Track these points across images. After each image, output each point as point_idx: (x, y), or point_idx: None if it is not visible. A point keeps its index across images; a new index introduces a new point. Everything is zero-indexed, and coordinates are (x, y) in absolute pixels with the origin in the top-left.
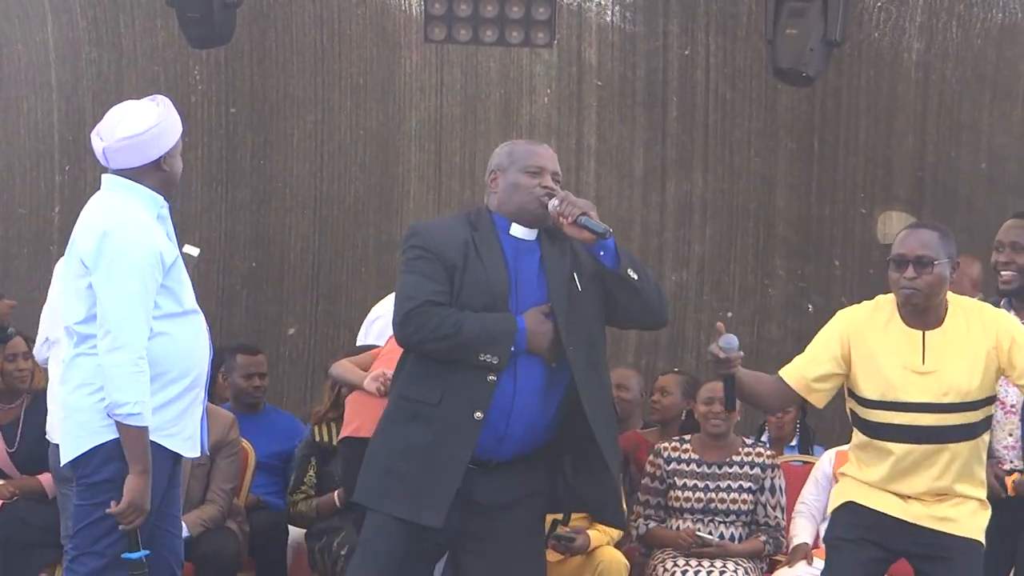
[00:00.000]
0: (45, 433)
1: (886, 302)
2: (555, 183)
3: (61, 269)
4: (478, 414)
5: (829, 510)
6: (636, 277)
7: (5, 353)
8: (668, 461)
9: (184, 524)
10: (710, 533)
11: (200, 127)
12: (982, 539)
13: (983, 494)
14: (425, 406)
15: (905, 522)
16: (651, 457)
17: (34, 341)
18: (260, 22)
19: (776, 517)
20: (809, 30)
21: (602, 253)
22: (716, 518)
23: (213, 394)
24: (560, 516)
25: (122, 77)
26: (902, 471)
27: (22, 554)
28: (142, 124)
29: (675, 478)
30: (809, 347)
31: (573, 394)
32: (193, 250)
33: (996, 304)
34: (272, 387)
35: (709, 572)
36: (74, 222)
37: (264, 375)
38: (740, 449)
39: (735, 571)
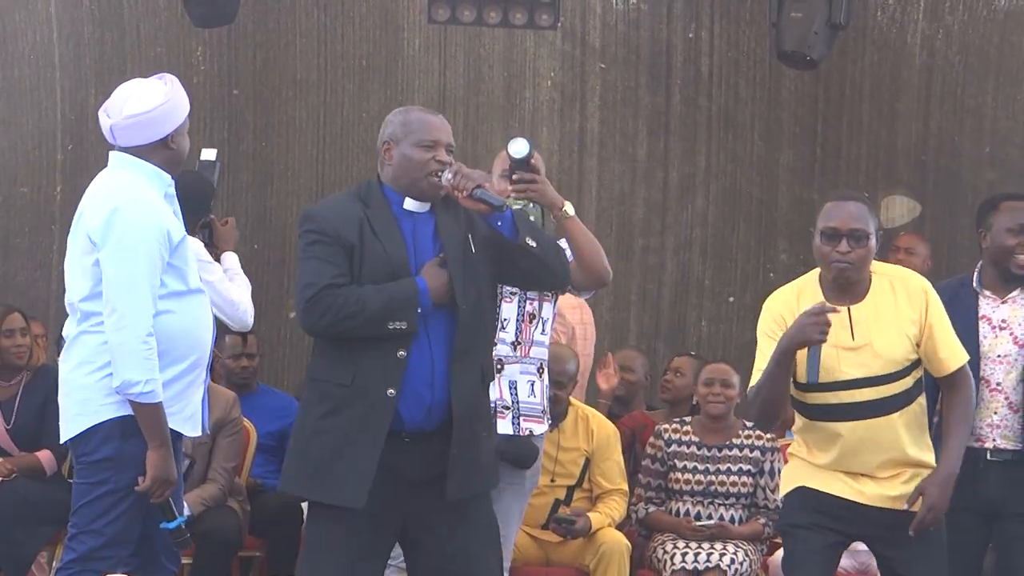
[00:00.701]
0: (43, 411)
1: (808, 282)
2: (449, 154)
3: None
4: (391, 391)
5: (780, 494)
6: (535, 244)
7: (2, 329)
8: (669, 443)
9: (185, 503)
10: (710, 516)
11: (202, 108)
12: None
13: (932, 457)
14: (338, 387)
15: (859, 505)
16: (652, 439)
17: (33, 319)
18: (263, 3)
19: (775, 500)
20: (813, 13)
21: (500, 223)
22: (716, 500)
23: (214, 373)
24: (562, 497)
25: (125, 56)
26: (851, 449)
27: (21, 531)
28: (150, 102)
29: (675, 460)
30: (760, 350)
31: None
32: (210, 153)
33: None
34: (272, 370)
35: (709, 554)
36: (76, 201)
37: (253, 356)
38: (740, 432)
39: (735, 553)
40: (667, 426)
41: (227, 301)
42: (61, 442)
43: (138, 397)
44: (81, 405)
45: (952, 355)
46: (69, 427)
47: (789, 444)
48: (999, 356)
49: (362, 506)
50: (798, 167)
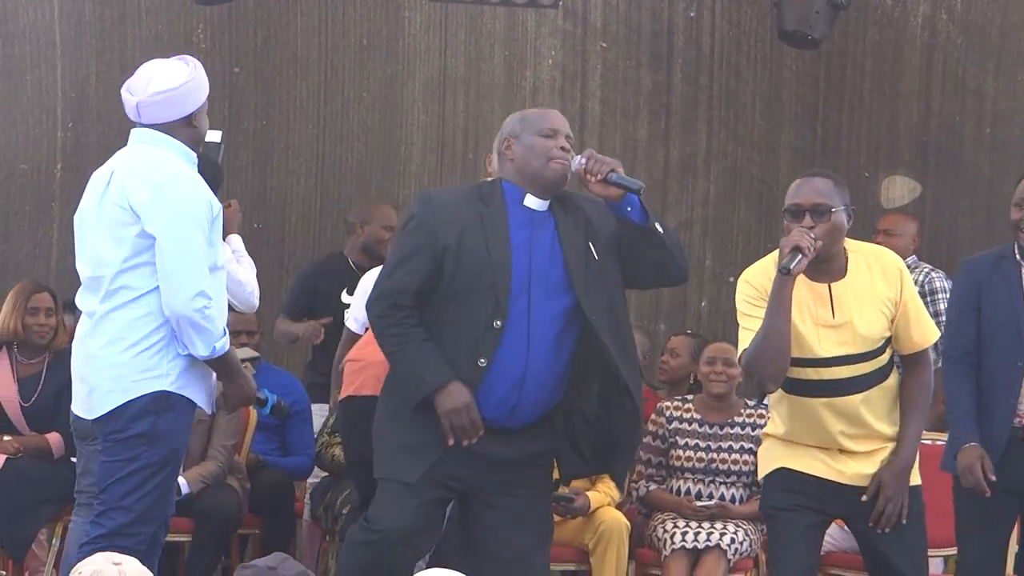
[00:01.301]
0: (60, 394)
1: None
2: (568, 143)
3: (87, 220)
4: (483, 360)
5: (760, 475)
6: (662, 230)
7: (28, 306)
8: (670, 420)
9: (184, 480)
10: (711, 494)
11: None
12: (917, 480)
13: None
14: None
15: (838, 484)
16: (653, 416)
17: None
18: None
19: None
20: None
21: (629, 209)
22: (717, 478)
23: None
24: (558, 476)
25: (125, 35)
26: (828, 425)
27: (25, 509)
28: (175, 79)
29: (677, 437)
30: (745, 316)
31: (585, 359)
32: (215, 135)
33: (1011, 256)
34: (272, 348)
35: (709, 533)
36: (77, 179)
37: (253, 333)
38: (742, 410)
39: (735, 532)
40: (669, 403)
41: (235, 282)
42: (92, 418)
43: (217, 352)
44: (114, 382)
45: (923, 334)
46: (101, 404)
47: None
48: None
49: (413, 481)
50: (799, 147)
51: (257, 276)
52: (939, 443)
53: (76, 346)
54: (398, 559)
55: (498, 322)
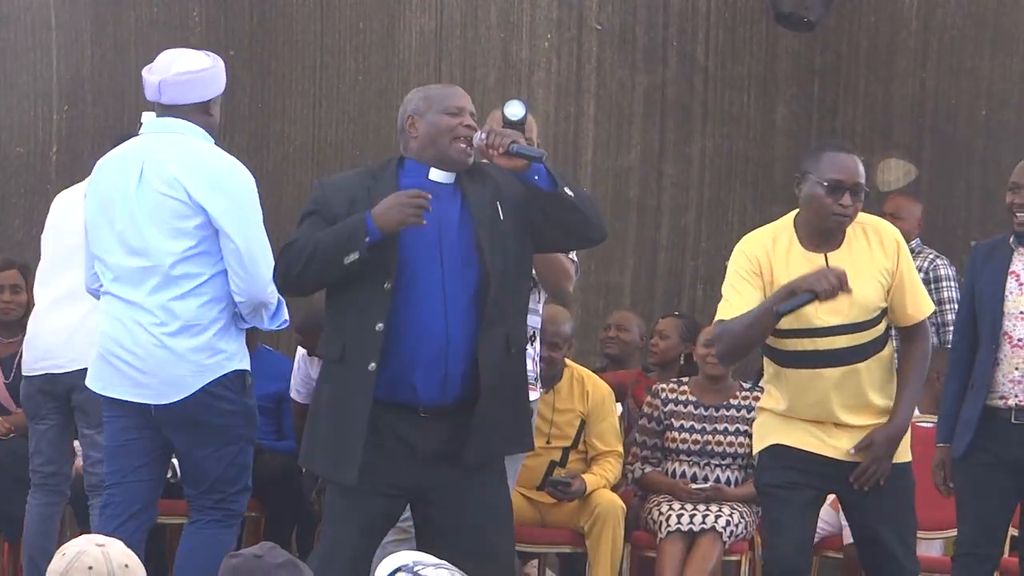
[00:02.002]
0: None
1: (782, 228)
2: (473, 121)
3: (89, 206)
4: (372, 366)
5: (754, 450)
6: (573, 194)
7: None
8: (665, 402)
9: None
10: (706, 477)
11: None
12: (907, 456)
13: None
14: (332, 363)
15: (832, 459)
16: (648, 398)
17: (32, 275)
18: None
19: None
20: None
21: (536, 178)
22: (712, 460)
23: None
24: (557, 459)
25: (120, 18)
26: (824, 396)
27: (18, 488)
28: (198, 64)
29: (672, 419)
30: (732, 287)
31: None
32: None
33: (1006, 242)
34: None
35: (704, 516)
36: (72, 162)
37: None
38: (737, 393)
39: (730, 515)
40: (664, 385)
41: None
42: (163, 404)
43: (281, 327)
44: (191, 367)
45: (917, 306)
46: (172, 391)
47: None
48: (1022, 312)
49: (353, 483)
50: (794, 129)
51: None
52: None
53: (115, 331)
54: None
55: (387, 284)
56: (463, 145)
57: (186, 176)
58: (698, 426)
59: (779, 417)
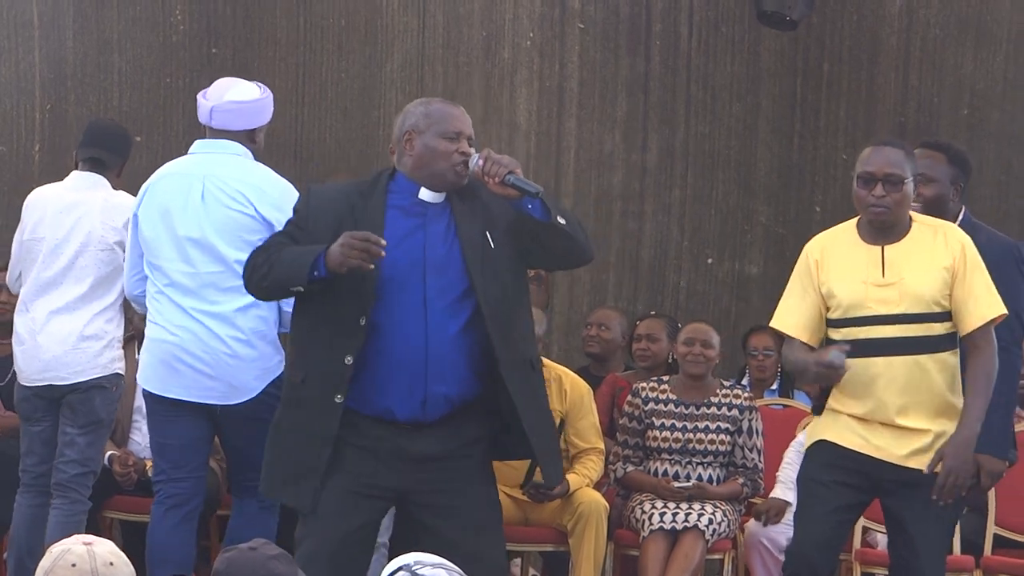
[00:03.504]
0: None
1: (850, 224)
2: (470, 146)
3: (146, 219)
4: (338, 397)
5: (805, 447)
6: (564, 222)
7: None
8: (646, 401)
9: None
10: (688, 476)
11: (181, 67)
12: None
13: (954, 406)
14: (293, 387)
15: (873, 459)
16: (629, 397)
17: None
18: None
19: (753, 459)
20: None
21: (530, 207)
22: (694, 459)
23: None
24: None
25: (103, 16)
26: (881, 389)
27: (7, 490)
28: (249, 94)
29: (653, 418)
30: (790, 288)
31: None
32: None
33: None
34: None
35: (687, 514)
36: (55, 160)
37: None
38: (718, 391)
39: (713, 514)
40: (644, 384)
41: None
42: (230, 404)
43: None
44: (258, 371)
45: (979, 308)
46: (240, 392)
47: (767, 404)
48: None
49: (310, 510)
50: (777, 128)
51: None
52: None
53: (182, 337)
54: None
55: (362, 320)
56: (457, 170)
57: (251, 192)
58: (679, 424)
59: (829, 413)
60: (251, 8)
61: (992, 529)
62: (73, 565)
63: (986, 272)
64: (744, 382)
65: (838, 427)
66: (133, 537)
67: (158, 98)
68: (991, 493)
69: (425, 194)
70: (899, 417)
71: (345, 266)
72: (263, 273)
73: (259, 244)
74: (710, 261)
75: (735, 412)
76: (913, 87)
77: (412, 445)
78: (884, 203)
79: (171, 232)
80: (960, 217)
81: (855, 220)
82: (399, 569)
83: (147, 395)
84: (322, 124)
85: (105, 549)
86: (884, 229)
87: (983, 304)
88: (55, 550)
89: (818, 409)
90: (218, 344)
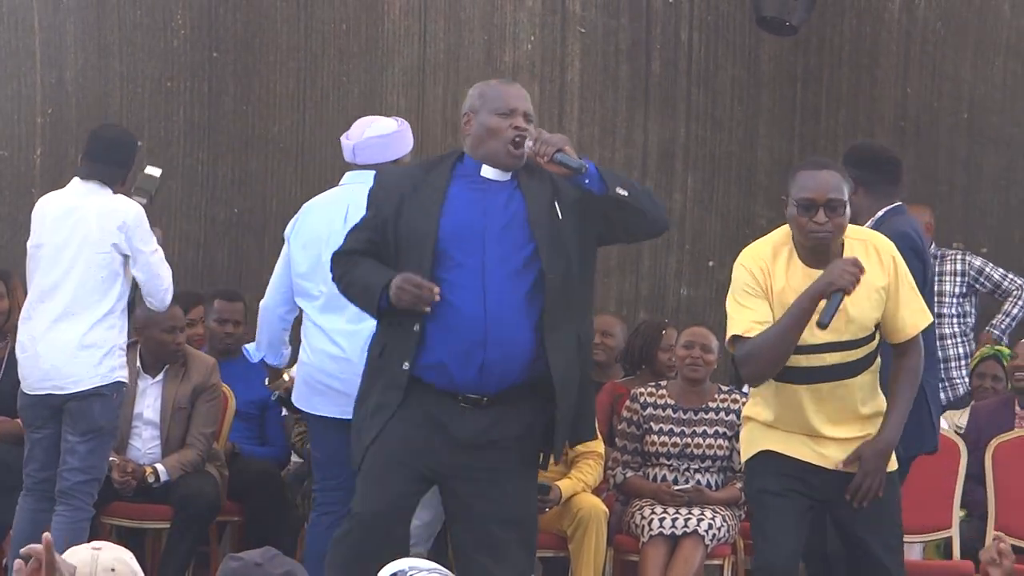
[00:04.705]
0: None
1: (781, 242)
2: (527, 122)
3: (296, 244)
4: (405, 365)
5: (743, 457)
6: (627, 193)
7: None
8: (644, 406)
9: (163, 468)
10: (687, 480)
11: (182, 72)
12: (893, 466)
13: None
14: (373, 360)
15: (820, 468)
16: (628, 402)
17: (14, 280)
18: None
19: None
20: None
21: (587, 182)
22: (692, 464)
23: (190, 340)
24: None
25: (104, 20)
26: (811, 411)
27: (2, 494)
28: (387, 128)
29: (651, 423)
30: (738, 299)
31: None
32: (155, 171)
33: None
34: (251, 335)
35: (687, 519)
36: (56, 165)
37: (239, 323)
38: (716, 395)
39: (712, 519)
40: (643, 389)
41: (155, 275)
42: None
43: None
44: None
45: (912, 320)
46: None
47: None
48: None
49: (357, 461)
50: (777, 132)
51: (238, 263)
52: None
53: (322, 360)
54: (374, 546)
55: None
56: (512, 147)
57: None
58: (677, 429)
59: (766, 427)
60: (252, 13)
61: (992, 533)
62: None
63: (912, 280)
64: (745, 389)
65: (779, 437)
66: (131, 543)
67: (159, 103)
68: (991, 498)
69: (488, 171)
70: (831, 431)
71: (400, 307)
72: (342, 289)
73: (338, 247)
74: (711, 264)
75: (732, 417)
76: (912, 91)
77: (464, 428)
78: (826, 228)
79: (318, 258)
80: (878, 216)
81: (785, 234)
82: (394, 575)
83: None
84: (323, 129)
85: (110, 555)
86: (822, 253)
87: (914, 315)
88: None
89: (825, 324)
90: (350, 367)
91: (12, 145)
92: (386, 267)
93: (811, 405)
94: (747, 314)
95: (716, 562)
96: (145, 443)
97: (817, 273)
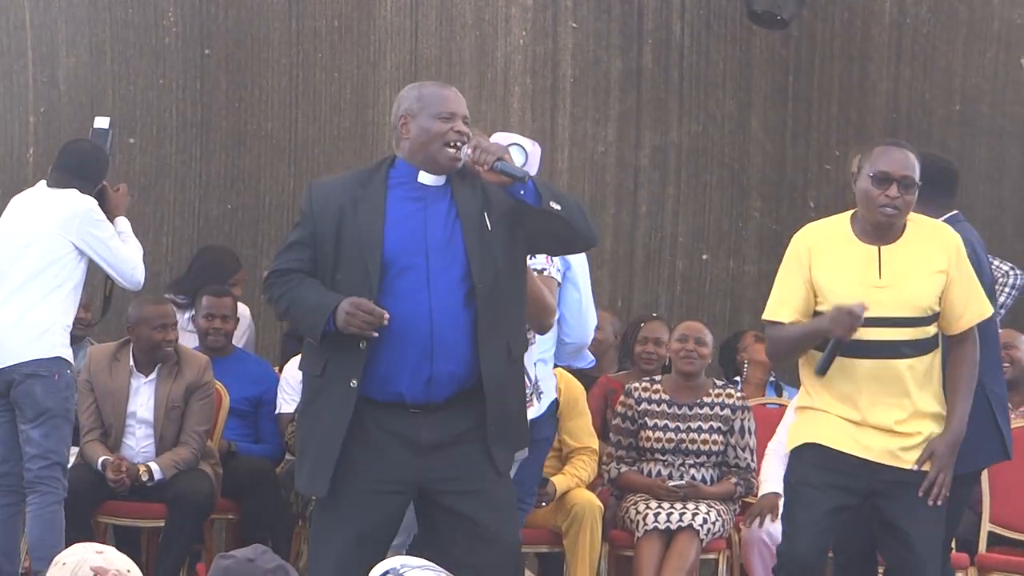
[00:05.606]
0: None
1: (842, 219)
2: (465, 126)
3: None
4: (353, 383)
5: (788, 447)
6: (559, 207)
7: None
8: (639, 401)
9: (158, 466)
10: (681, 476)
11: (174, 69)
12: None
13: (941, 409)
14: (313, 378)
15: (863, 460)
16: (622, 397)
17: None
18: None
19: (746, 459)
20: None
21: (522, 192)
22: (687, 459)
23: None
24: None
25: (96, 18)
26: (862, 391)
27: None
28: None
29: (646, 418)
30: (780, 275)
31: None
32: (103, 121)
33: None
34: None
35: (682, 514)
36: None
37: (227, 318)
38: (711, 390)
39: (707, 513)
40: (637, 384)
41: (119, 259)
42: None
43: None
44: None
45: (969, 310)
46: None
47: (760, 404)
48: None
49: (324, 494)
50: (769, 126)
51: (234, 258)
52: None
53: None
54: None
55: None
56: (452, 151)
57: None
58: (672, 424)
59: (813, 414)
60: (243, 10)
61: (987, 527)
62: (64, 564)
63: (973, 272)
64: (736, 379)
65: (826, 428)
66: (126, 542)
67: (151, 100)
68: (985, 490)
69: (424, 177)
70: (886, 419)
71: (349, 332)
72: (282, 310)
73: (273, 265)
74: (705, 258)
75: (727, 412)
76: (904, 83)
77: (422, 434)
78: (897, 204)
79: None
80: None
81: (848, 215)
82: (385, 573)
83: None
84: (316, 124)
85: (114, 556)
86: (885, 229)
87: (974, 305)
88: (68, 561)
89: (822, 370)
90: None
91: (5, 145)
92: (327, 289)
93: (866, 384)
94: (778, 294)
95: (711, 556)
96: (139, 442)
97: (870, 248)
